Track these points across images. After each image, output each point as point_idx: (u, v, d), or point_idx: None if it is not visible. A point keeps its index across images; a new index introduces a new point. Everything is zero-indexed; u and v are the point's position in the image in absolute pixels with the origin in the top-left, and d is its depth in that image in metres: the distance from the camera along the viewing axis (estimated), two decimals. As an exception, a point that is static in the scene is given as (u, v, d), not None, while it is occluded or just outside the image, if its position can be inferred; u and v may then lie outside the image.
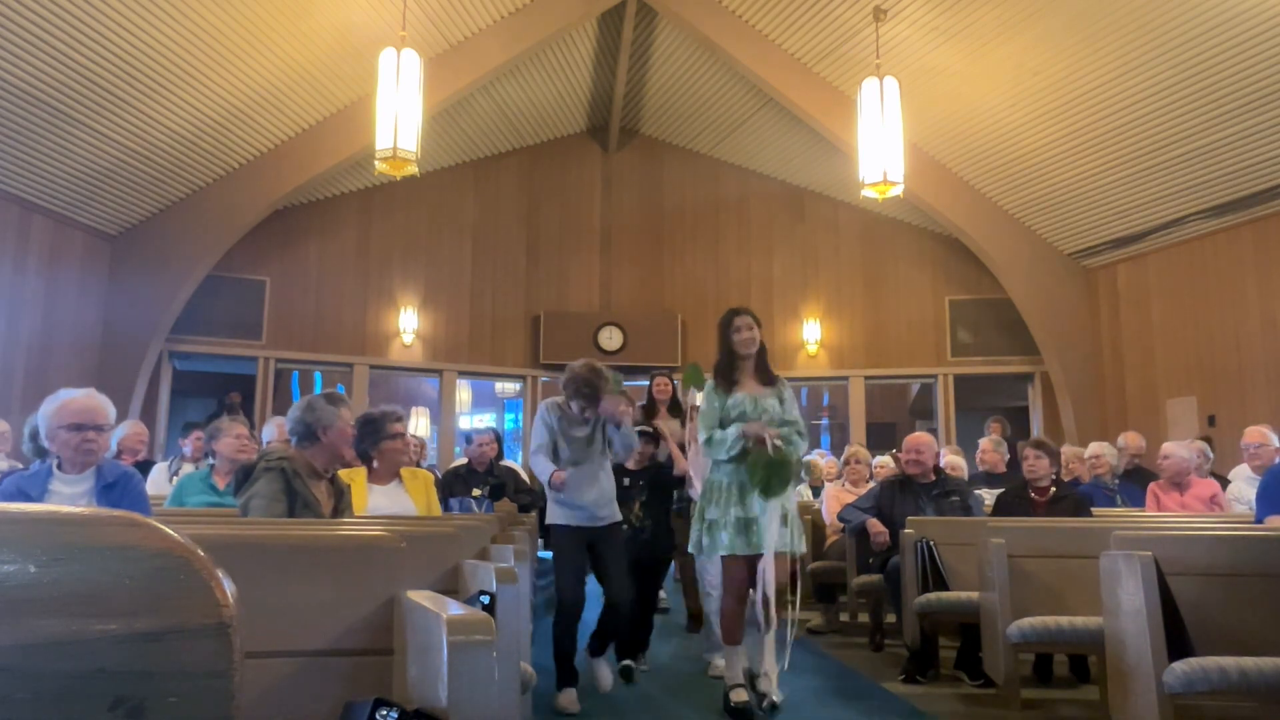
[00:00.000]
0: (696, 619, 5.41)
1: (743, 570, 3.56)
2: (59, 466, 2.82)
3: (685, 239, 10.46)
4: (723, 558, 3.59)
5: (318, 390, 8.90)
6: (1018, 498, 4.46)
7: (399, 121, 5.71)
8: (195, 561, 0.63)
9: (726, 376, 3.74)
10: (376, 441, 3.51)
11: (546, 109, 9.72)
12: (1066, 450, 6.10)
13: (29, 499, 2.69)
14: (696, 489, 4.28)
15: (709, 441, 3.64)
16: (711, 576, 4.25)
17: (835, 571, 5.39)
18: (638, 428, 4.41)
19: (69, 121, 6.66)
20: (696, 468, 4.38)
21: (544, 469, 3.83)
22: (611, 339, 9.93)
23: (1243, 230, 7.72)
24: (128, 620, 0.60)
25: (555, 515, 3.88)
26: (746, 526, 3.54)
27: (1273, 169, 7.08)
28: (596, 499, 3.86)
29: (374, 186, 9.50)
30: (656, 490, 4.64)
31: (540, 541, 8.22)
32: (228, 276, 8.76)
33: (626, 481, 4.48)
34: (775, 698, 3.57)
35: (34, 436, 2.87)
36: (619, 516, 3.98)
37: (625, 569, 3.89)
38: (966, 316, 9.91)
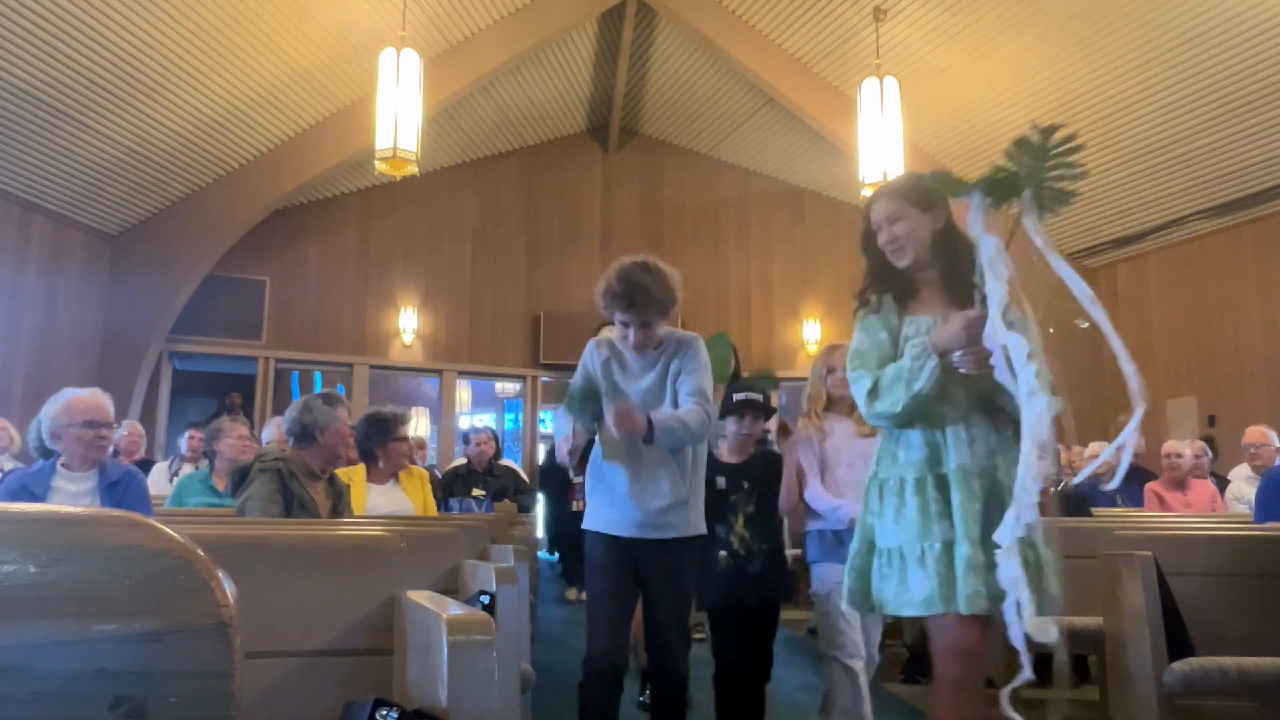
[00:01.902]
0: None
1: (976, 637, 1.87)
2: (62, 464, 2.84)
3: (685, 239, 10.46)
4: (933, 621, 1.89)
5: (318, 390, 8.90)
6: (1018, 498, 4.45)
7: (399, 121, 5.71)
8: (195, 561, 0.63)
9: (900, 288, 2.06)
10: (384, 442, 3.52)
11: (546, 109, 9.72)
12: (1066, 452, 6.10)
13: (33, 495, 2.71)
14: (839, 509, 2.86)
15: (872, 392, 1.98)
16: (853, 636, 2.83)
17: (835, 571, 5.41)
18: (741, 394, 2.97)
19: (69, 121, 6.65)
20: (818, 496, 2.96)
21: (560, 430, 2.61)
22: (611, 339, 9.93)
23: (1243, 230, 7.71)
24: (128, 620, 0.60)
25: (589, 516, 2.56)
26: (968, 560, 1.84)
27: (1273, 169, 7.07)
28: (648, 492, 2.41)
29: (374, 186, 9.50)
30: (769, 494, 2.98)
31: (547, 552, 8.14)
32: (228, 276, 8.76)
33: (723, 482, 2.92)
34: None
35: (39, 436, 2.90)
36: (689, 528, 2.46)
37: (682, 616, 2.49)
38: (966, 316, 9.91)
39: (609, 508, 2.49)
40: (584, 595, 6.95)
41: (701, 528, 2.52)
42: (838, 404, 3.05)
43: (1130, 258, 8.77)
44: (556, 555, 7.83)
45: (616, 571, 2.46)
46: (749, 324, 10.26)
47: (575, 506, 6.45)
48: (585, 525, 2.55)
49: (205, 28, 6.52)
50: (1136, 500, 5.23)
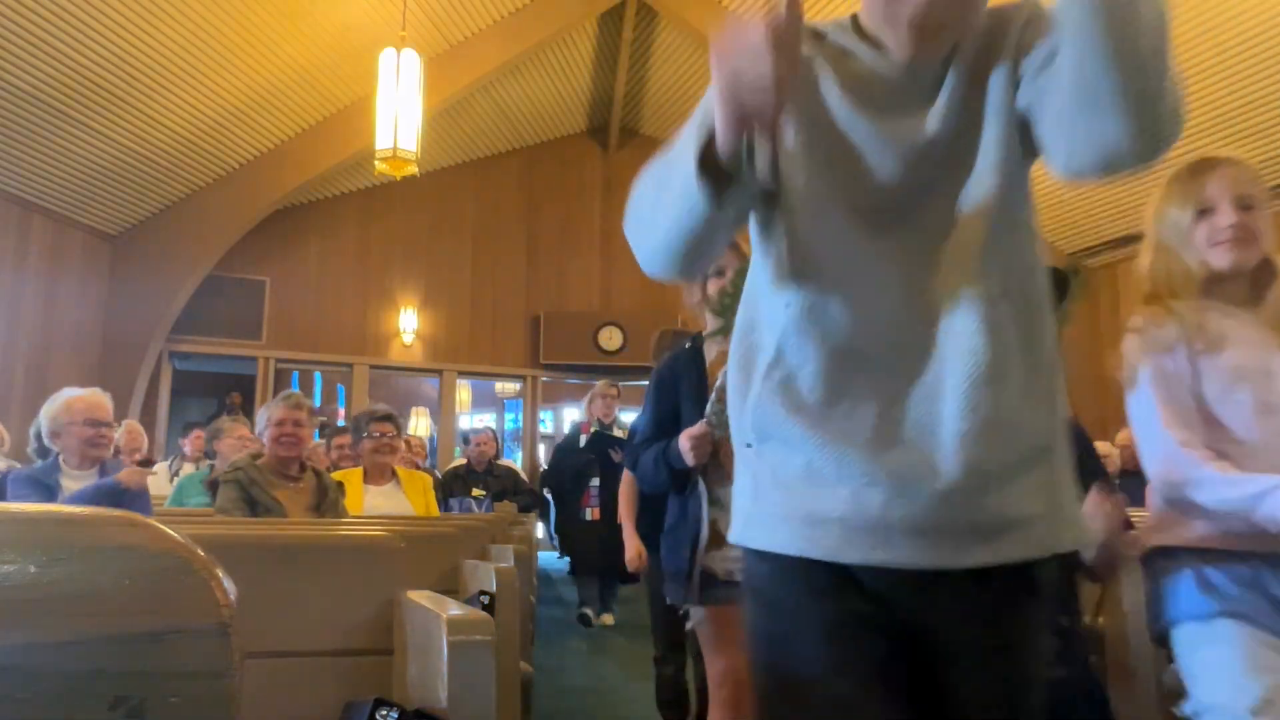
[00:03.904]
0: None
1: None
2: (63, 463, 2.87)
3: (685, 239, 10.45)
4: None
5: (318, 390, 8.90)
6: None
7: (399, 121, 5.70)
8: (195, 561, 0.63)
9: None
10: (357, 441, 3.56)
11: (546, 109, 9.72)
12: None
13: (47, 488, 2.75)
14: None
15: None
16: None
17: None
18: None
19: (69, 121, 6.65)
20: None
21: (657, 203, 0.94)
22: (611, 339, 9.94)
23: (1243, 230, 7.72)
24: (128, 620, 0.60)
25: (746, 522, 1.00)
26: None
27: (1273, 169, 7.07)
28: (966, 407, 0.86)
29: (374, 186, 9.50)
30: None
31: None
32: (228, 276, 8.76)
33: None
34: None
35: (38, 436, 2.92)
36: (1062, 532, 0.93)
37: None
38: (966, 316, 9.91)
39: (830, 483, 0.93)
40: (605, 618, 5.86)
41: (1083, 529, 0.97)
42: (1222, 283, 1.45)
43: (1130, 258, 8.75)
44: (569, 569, 6.54)
45: (866, 670, 0.92)
46: (749, 324, 10.25)
47: (589, 515, 5.70)
48: (742, 539, 1.02)
49: (205, 28, 6.52)
50: (1137, 500, 5.23)
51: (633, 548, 3.28)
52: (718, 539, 1.95)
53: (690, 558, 1.97)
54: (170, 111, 7.09)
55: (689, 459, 1.93)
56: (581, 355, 9.78)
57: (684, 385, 2.16)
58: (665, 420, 2.14)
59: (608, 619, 5.89)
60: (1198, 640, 1.37)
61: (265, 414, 3.07)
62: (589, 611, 5.85)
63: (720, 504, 1.99)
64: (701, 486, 2.00)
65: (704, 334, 2.28)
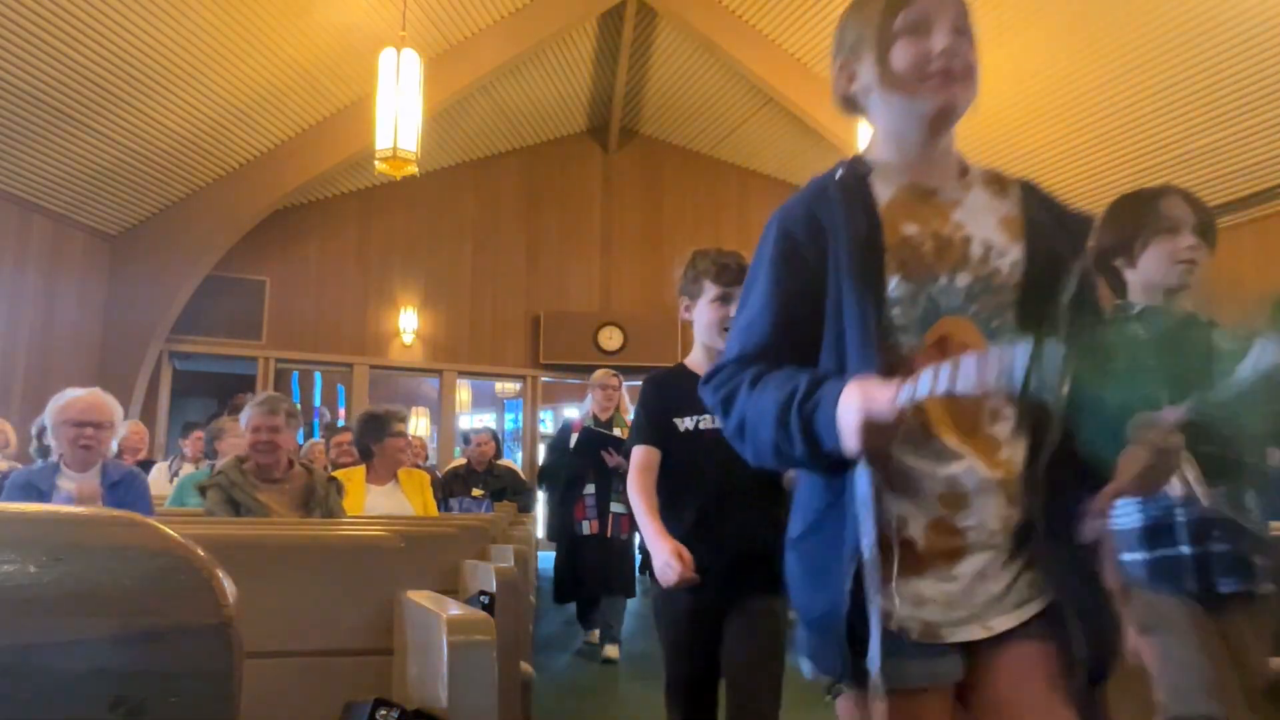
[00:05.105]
0: None
1: None
2: (64, 463, 2.87)
3: (685, 239, 10.44)
4: None
5: (318, 390, 8.91)
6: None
7: (399, 121, 5.70)
8: (195, 561, 0.63)
9: None
10: (380, 438, 3.54)
11: (546, 109, 9.72)
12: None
13: (39, 491, 2.75)
14: None
15: None
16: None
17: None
18: None
19: (69, 121, 6.66)
20: None
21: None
22: (611, 339, 9.94)
23: (1242, 230, 7.71)
24: (128, 620, 0.60)
25: None
26: None
27: (1273, 169, 7.08)
28: None
29: (374, 186, 9.50)
30: None
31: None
32: (228, 276, 8.76)
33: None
34: None
35: (40, 435, 2.93)
36: None
37: None
38: (966, 316, 9.91)
39: None
40: (609, 650, 4.95)
41: None
42: None
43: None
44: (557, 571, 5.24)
45: None
46: (749, 324, 10.24)
47: (587, 529, 4.81)
48: None
49: (205, 27, 6.52)
50: (1136, 500, 5.23)
51: (666, 548, 1.90)
52: (908, 560, 1.05)
53: (852, 590, 1.02)
54: (170, 111, 7.09)
55: (852, 442, 0.96)
56: (581, 355, 9.78)
57: (839, 242, 1.09)
58: (798, 316, 1.10)
59: (612, 651, 4.79)
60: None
61: (244, 417, 3.06)
62: (599, 640, 4.99)
63: (918, 488, 1.06)
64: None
65: (865, 156, 1.22)
